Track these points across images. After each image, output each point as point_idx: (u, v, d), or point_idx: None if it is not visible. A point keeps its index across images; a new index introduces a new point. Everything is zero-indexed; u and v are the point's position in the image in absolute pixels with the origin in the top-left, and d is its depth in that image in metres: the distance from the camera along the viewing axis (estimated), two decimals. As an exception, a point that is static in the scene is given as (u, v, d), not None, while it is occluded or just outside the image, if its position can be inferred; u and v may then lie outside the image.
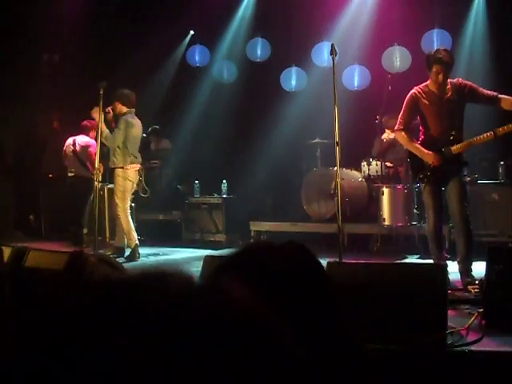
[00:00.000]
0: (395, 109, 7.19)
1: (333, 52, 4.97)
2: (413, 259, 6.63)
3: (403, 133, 5.18)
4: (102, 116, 6.57)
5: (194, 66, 9.93)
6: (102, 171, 7.26)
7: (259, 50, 9.49)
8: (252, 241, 7.79)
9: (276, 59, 9.40)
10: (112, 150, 7.00)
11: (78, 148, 8.12)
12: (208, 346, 0.48)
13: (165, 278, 0.54)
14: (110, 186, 8.74)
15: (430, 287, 3.21)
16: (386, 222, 7.05)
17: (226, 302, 0.52)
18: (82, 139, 8.14)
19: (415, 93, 5.16)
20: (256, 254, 1.03)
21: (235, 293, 0.54)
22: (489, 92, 5.07)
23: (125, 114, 7.00)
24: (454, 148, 5.00)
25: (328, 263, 3.39)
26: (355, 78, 8.85)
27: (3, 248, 3.50)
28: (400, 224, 7.05)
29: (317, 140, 8.05)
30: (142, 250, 7.80)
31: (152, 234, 8.47)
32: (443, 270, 3.40)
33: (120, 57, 9.22)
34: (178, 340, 0.48)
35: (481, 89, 5.11)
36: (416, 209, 7.11)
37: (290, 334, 0.54)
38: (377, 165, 7.57)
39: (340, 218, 4.63)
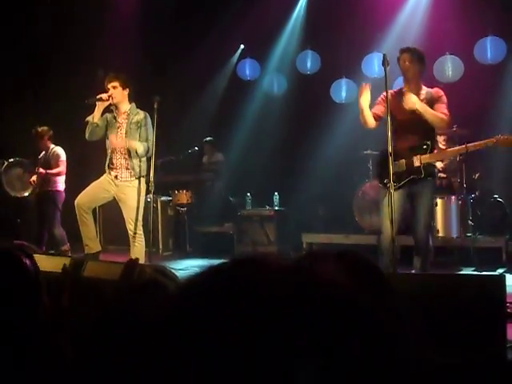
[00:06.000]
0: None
1: (385, 62, 4.94)
2: (468, 271, 6.49)
3: None
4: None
5: (244, 80, 10.04)
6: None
7: (309, 62, 9.51)
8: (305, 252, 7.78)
9: (326, 71, 9.40)
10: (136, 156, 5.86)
11: None
12: (304, 316, 0.51)
13: (259, 261, 0.58)
14: (164, 198, 8.92)
15: (488, 299, 3.14)
16: (440, 234, 6.93)
17: (315, 278, 0.55)
18: None
19: None
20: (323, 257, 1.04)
21: (323, 272, 0.58)
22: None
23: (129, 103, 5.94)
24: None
25: (382, 274, 3.36)
26: (406, 88, 8.76)
27: (65, 259, 3.60)
28: (454, 235, 6.92)
29: (368, 151, 7.99)
30: (194, 262, 7.89)
31: (204, 246, 8.56)
32: (501, 281, 3.31)
33: (172, 71, 9.40)
34: (282, 313, 0.51)
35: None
36: (471, 220, 6.97)
37: (378, 309, 0.56)
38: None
39: (394, 230, 4.60)
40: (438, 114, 4.96)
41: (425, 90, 5.16)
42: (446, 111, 5.02)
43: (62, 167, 7.89)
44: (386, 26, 8.77)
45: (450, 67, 8.37)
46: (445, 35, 8.22)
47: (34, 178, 8.00)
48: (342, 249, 1.10)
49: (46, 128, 7.97)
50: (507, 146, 4.99)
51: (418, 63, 5.09)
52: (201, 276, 0.58)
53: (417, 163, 5.00)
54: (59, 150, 7.94)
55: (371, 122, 5.10)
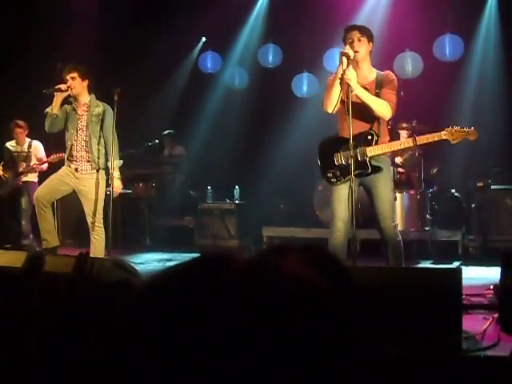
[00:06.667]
0: (408, 115, 7.22)
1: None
2: (426, 264, 6.61)
3: None
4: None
5: (205, 73, 9.98)
6: None
7: (271, 56, 9.51)
8: (265, 246, 7.81)
9: (287, 65, 9.42)
10: (98, 147, 5.80)
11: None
12: (272, 316, 0.51)
13: (224, 258, 0.57)
14: (123, 191, 8.78)
15: (444, 292, 3.19)
16: (399, 228, 6.99)
17: (282, 275, 0.55)
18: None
19: None
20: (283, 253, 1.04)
21: (289, 267, 0.57)
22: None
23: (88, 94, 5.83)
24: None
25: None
26: (367, 83, 8.85)
27: (21, 253, 3.53)
28: (413, 229, 7.04)
29: (329, 145, 8.04)
30: (154, 256, 7.84)
31: (164, 240, 8.50)
32: (457, 274, 3.38)
33: (132, 63, 9.27)
34: (245, 313, 0.50)
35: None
36: (429, 214, 7.09)
37: (344, 303, 0.56)
38: (391, 173, 7.55)
39: (354, 224, 4.63)
40: (377, 100, 4.52)
41: (375, 72, 4.73)
42: (392, 97, 4.58)
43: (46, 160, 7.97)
44: (348, 21, 8.78)
45: (409, 63, 8.48)
46: (405, 32, 8.33)
47: (1, 172, 8.01)
48: (306, 243, 1.10)
49: (24, 122, 8.06)
50: (454, 139, 4.60)
51: (367, 42, 4.63)
52: (165, 274, 0.57)
53: (361, 157, 4.58)
54: (39, 144, 8.05)
55: (334, 103, 4.62)
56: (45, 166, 7.93)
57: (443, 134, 4.60)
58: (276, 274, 0.56)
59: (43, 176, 7.32)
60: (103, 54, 9.26)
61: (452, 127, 4.62)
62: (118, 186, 5.84)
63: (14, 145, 8.15)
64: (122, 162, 6.06)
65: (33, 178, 7.97)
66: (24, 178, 7.99)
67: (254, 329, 0.50)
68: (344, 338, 0.53)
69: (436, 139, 4.66)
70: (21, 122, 8.05)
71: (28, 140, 8.12)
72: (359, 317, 0.57)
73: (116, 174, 5.78)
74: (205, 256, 0.59)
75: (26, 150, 8.04)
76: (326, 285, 0.74)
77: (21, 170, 7.98)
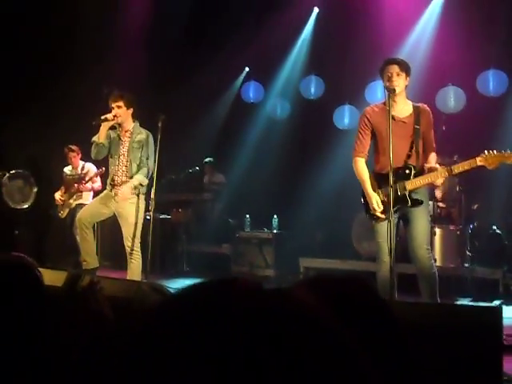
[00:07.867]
0: (449, 150, 7.16)
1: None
2: (464, 302, 6.47)
3: None
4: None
5: (248, 102, 10.11)
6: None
7: (313, 87, 9.58)
8: (302, 276, 7.77)
9: (329, 97, 9.46)
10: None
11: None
12: (277, 342, 0.53)
13: (234, 282, 0.59)
14: (163, 216, 8.91)
15: (484, 330, 3.12)
16: (438, 263, 6.91)
17: (294, 303, 0.57)
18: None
19: None
20: (321, 283, 1.05)
21: (303, 296, 0.59)
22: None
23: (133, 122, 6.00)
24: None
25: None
26: (409, 117, 8.80)
27: (62, 273, 3.59)
28: (452, 265, 6.92)
29: (368, 178, 8.01)
30: (191, 282, 7.81)
31: (201, 267, 8.53)
32: (498, 312, 3.30)
33: (177, 90, 9.45)
34: (251, 335, 0.52)
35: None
36: (469, 250, 6.97)
37: (353, 338, 0.57)
38: (429, 205, 7.47)
39: (392, 258, 4.57)
40: (434, 177, 4.62)
41: (410, 104, 4.78)
42: (434, 144, 4.76)
43: (99, 182, 8.18)
44: (391, 55, 8.80)
45: (452, 98, 8.43)
46: (448, 66, 8.30)
47: (59, 196, 8.18)
48: (346, 275, 1.11)
49: (77, 147, 8.37)
50: (491, 164, 4.42)
51: (405, 77, 4.67)
52: (177, 295, 0.61)
53: (401, 191, 4.59)
54: (92, 166, 8.25)
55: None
56: (95, 185, 8.18)
57: (478, 160, 4.44)
58: (274, 298, 0.57)
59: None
60: (149, 80, 9.47)
61: (488, 152, 4.44)
62: (125, 191, 5.77)
63: (71, 169, 8.49)
64: (149, 184, 6.06)
65: (86, 200, 8.14)
66: (78, 201, 8.22)
67: (242, 348, 0.52)
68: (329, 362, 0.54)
69: (472, 166, 4.48)
70: (73, 147, 8.39)
71: (82, 163, 8.40)
72: (358, 347, 0.58)
73: (133, 183, 5.78)
74: (216, 280, 0.62)
75: (80, 173, 8.31)
76: (359, 318, 0.75)
77: (72, 192, 8.23)
